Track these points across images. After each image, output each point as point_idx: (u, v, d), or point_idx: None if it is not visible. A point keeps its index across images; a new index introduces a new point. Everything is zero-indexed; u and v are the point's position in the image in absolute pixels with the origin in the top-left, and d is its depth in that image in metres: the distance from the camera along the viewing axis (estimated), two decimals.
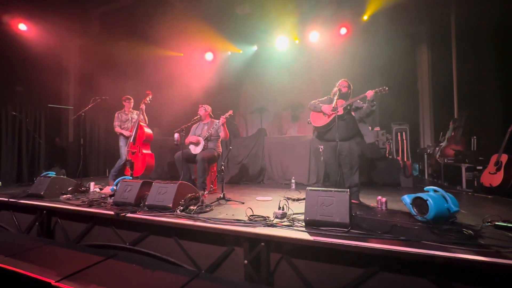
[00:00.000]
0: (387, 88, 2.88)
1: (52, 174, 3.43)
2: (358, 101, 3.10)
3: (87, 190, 3.59)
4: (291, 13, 5.65)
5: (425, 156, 5.63)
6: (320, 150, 3.32)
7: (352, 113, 3.11)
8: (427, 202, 2.00)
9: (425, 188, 2.19)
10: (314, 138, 4.08)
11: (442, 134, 5.21)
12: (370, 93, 2.92)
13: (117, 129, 4.47)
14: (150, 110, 4.70)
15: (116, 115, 4.56)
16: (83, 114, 4.38)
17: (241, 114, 7.47)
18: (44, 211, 2.88)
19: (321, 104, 3.19)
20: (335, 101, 2.97)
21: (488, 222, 1.98)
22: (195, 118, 4.00)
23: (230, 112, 3.72)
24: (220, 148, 4.01)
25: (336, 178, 3.02)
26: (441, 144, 4.94)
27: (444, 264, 1.46)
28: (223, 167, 3.25)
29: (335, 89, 3.08)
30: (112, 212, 2.44)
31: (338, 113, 2.96)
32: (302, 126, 6.83)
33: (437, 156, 4.94)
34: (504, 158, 3.33)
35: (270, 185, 4.73)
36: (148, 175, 4.39)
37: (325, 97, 3.30)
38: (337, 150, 2.90)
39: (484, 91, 4.34)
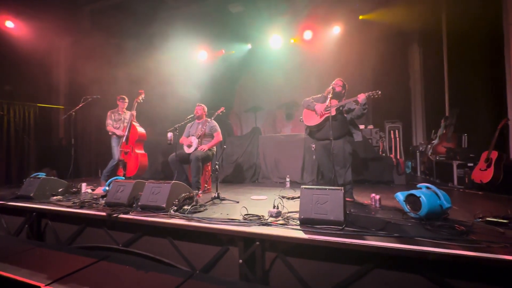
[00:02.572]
0: (380, 92, 2.87)
1: (42, 175, 3.35)
2: (352, 102, 3.11)
3: (78, 191, 3.52)
4: (284, 12, 5.64)
5: (418, 153, 5.71)
6: (312, 148, 3.33)
7: (344, 114, 3.14)
8: (420, 199, 2.02)
9: (418, 185, 2.21)
10: (306, 136, 4.15)
11: (433, 131, 5.28)
12: (361, 97, 2.90)
13: (110, 128, 4.32)
14: (143, 109, 4.63)
15: (108, 113, 4.41)
16: (73, 113, 4.30)
17: (235, 113, 7.45)
18: (34, 213, 2.81)
19: (314, 103, 3.18)
20: (328, 100, 2.97)
21: (479, 218, 2.01)
22: (188, 117, 3.97)
23: (222, 109, 3.72)
24: (214, 147, 3.98)
25: (330, 176, 3.03)
26: (433, 141, 5.01)
27: (437, 260, 1.47)
28: (217, 166, 3.22)
29: (330, 87, 3.08)
30: (104, 213, 2.40)
31: (331, 114, 2.97)
32: (297, 125, 6.84)
33: (429, 153, 5.01)
34: (494, 155, 3.40)
35: (264, 184, 4.72)
36: (141, 175, 4.33)
37: (319, 95, 3.30)
38: (331, 149, 2.90)
39: (475, 89, 4.41)
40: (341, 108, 3.11)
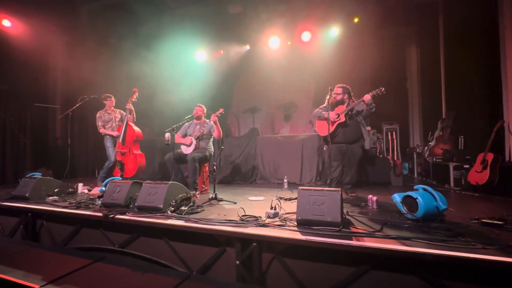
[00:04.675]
0: (383, 89, 2.93)
1: (38, 175, 3.32)
2: (361, 103, 3.16)
3: (74, 192, 3.50)
4: (283, 13, 5.66)
5: (415, 155, 5.74)
6: (325, 148, 3.43)
7: (354, 117, 3.23)
8: (417, 200, 2.03)
9: (415, 187, 2.22)
10: (309, 137, 4.27)
11: (430, 133, 5.32)
12: (367, 97, 2.99)
13: (102, 130, 4.28)
14: (141, 109, 4.61)
15: (98, 114, 4.33)
16: (70, 113, 4.27)
17: (233, 114, 7.44)
18: (29, 214, 2.79)
19: (324, 112, 3.25)
20: (327, 103, 3.02)
21: (475, 220, 2.02)
22: (186, 117, 3.96)
23: (221, 110, 3.70)
24: (212, 148, 3.97)
25: (332, 176, 3.11)
26: (430, 143, 5.04)
27: (433, 261, 1.48)
28: (215, 167, 3.22)
29: (332, 97, 3.17)
30: (100, 214, 2.39)
31: (340, 121, 3.08)
32: (295, 126, 6.86)
33: (426, 155, 5.03)
34: (490, 156, 3.42)
35: (262, 185, 4.72)
36: (139, 176, 4.31)
37: (323, 106, 3.36)
38: (345, 151, 3.03)
39: (471, 92, 4.45)
40: (350, 113, 3.16)
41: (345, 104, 3.27)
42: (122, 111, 4.47)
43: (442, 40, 5.34)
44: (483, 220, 1.96)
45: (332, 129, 3.22)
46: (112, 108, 4.44)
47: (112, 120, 4.37)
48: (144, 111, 5.58)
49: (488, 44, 4.06)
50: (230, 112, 7.38)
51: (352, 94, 3.37)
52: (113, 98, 4.45)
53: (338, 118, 3.11)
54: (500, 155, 3.46)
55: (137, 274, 1.92)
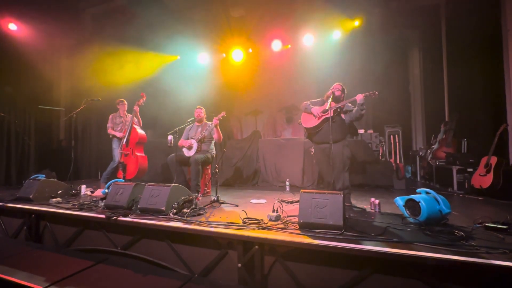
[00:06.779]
0: (377, 92, 2.92)
1: (41, 176, 3.35)
2: (349, 104, 3.13)
3: (78, 193, 3.52)
4: (285, 16, 5.69)
5: (417, 158, 5.71)
6: (311, 152, 3.35)
7: (342, 115, 3.14)
8: (420, 204, 2.02)
9: (418, 190, 2.21)
10: (305, 140, 4.16)
11: (433, 136, 5.29)
12: (359, 97, 2.95)
13: (110, 131, 4.37)
14: (144, 112, 4.64)
15: (110, 117, 4.48)
16: (74, 115, 4.31)
17: (236, 116, 7.46)
18: (33, 215, 2.81)
19: (311, 106, 3.21)
20: (328, 103, 2.98)
21: (478, 224, 2.01)
22: (189, 120, 3.98)
23: (223, 113, 3.70)
24: (214, 150, 3.98)
25: (330, 180, 3.03)
26: (433, 146, 5.02)
27: (436, 265, 1.47)
28: (217, 170, 3.23)
29: (329, 92, 3.11)
30: (103, 216, 2.40)
31: (328, 115, 2.97)
32: (297, 128, 6.85)
33: (429, 158, 5.01)
34: (494, 160, 3.40)
35: (264, 188, 4.72)
36: (141, 178, 4.33)
37: (319, 99, 3.32)
38: (331, 153, 2.90)
39: (474, 95, 4.43)
40: (339, 110, 3.12)
41: (338, 102, 3.23)
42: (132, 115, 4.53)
43: (445, 42, 5.34)
44: (486, 224, 1.95)
45: (317, 122, 3.14)
46: (125, 112, 4.54)
47: (123, 124, 4.44)
48: (146, 113, 5.62)
49: (491, 46, 4.05)
50: (232, 115, 7.40)
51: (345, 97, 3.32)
52: (125, 102, 4.55)
53: (327, 113, 3.01)
54: (504, 158, 3.44)
55: (139, 276, 1.92)
